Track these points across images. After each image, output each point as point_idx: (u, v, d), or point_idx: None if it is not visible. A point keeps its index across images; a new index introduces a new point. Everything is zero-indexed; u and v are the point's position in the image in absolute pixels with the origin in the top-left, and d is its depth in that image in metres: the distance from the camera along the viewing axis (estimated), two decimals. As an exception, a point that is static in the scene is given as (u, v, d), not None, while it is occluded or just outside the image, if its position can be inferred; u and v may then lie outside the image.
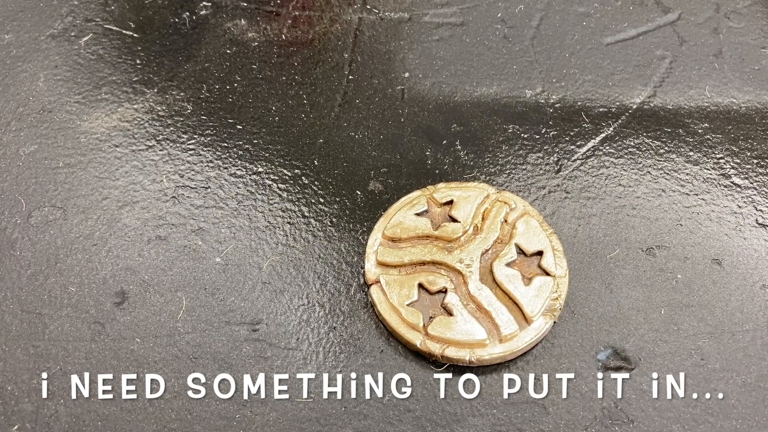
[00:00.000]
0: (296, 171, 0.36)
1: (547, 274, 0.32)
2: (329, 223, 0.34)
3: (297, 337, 0.31)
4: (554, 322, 0.31)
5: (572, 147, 0.37)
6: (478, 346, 0.30)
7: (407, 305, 0.31)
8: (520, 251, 0.33)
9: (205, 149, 0.37)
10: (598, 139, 0.37)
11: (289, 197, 0.35)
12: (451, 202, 0.34)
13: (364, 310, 0.32)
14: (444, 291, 0.31)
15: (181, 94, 0.39)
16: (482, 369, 0.30)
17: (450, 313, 0.31)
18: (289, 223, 0.34)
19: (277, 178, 0.36)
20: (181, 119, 0.38)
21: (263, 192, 0.35)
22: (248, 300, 0.32)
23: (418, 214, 0.33)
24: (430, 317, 0.31)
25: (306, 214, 0.35)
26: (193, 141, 0.37)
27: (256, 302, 0.32)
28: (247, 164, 0.36)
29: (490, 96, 0.39)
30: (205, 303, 0.32)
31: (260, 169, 0.36)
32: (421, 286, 0.31)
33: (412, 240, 0.33)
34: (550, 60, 0.41)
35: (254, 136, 0.37)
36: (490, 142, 0.37)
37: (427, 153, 0.37)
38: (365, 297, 0.32)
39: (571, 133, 0.38)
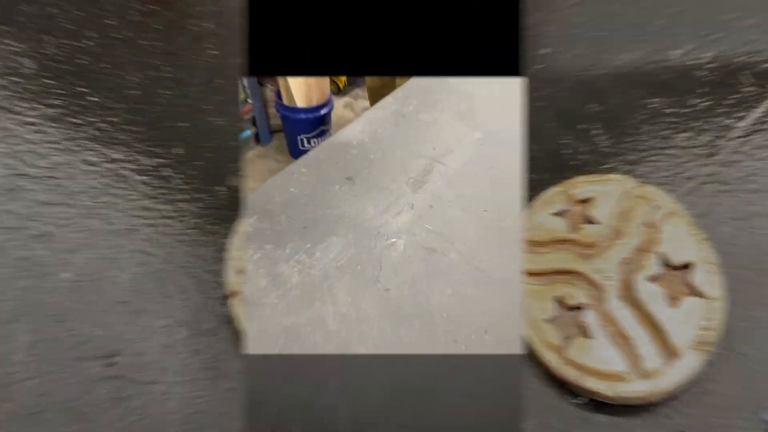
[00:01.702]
0: (156, 160, 0.33)
1: (698, 294, 0.27)
2: (192, 225, 0.32)
3: (159, 367, 0.28)
4: (708, 360, 0.26)
5: (729, 121, 0.30)
6: (617, 380, 0.26)
7: (545, 320, 0.27)
8: (665, 262, 0.28)
9: (51, 125, 0.32)
10: (766, 106, 0.30)
11: (150, 192, 0.32)
12: (587, 200, 0.30)
13: (226, 326, 0.29)
14: (581, 307, 0.27)
15: (21, 46, 0.33)
16: (619, 408, 0.26)
17: (587, 335, 0.27)
18: (149, 225, 0.31)
19: (135, 168, 0.32)
20: (21, 80, 0.32)
21: (120, 186, 0.32)
22: (103, 326, 0.28)
23: (555, 214, 0.30)
24: (566, 337, 0.27)
25: (166, 214, 0.32)
26: (35, 113, 0.32)
27: (113, 328, 0.29)
28: (102, 148, 0.32)
29: (629, 64, 0.32)
30: (50, 335, 0.28)
31: (117, 156, 0.32)
32: (557, 299, 0.28)
33: (551, 245, 0.29)
34: (701, 5, 0.33)
35: (110, 113, 0.33)
36: (629, 122, 0.31)
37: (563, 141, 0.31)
38: (226, 311, 0.29)
39: (729, 102, 0.31)
